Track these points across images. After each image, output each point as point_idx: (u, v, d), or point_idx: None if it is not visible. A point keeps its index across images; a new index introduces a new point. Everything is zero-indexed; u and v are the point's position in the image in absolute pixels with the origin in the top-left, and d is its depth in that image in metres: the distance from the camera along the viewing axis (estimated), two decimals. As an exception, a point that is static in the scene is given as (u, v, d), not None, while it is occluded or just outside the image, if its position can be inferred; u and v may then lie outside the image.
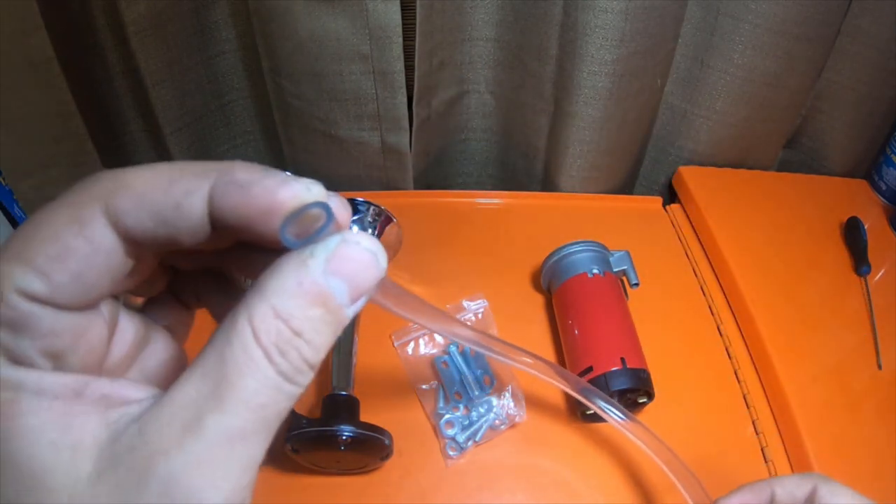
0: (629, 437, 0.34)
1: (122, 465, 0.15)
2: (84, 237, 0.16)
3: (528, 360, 0.31)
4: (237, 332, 0.15)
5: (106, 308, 0.18)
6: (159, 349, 0.20)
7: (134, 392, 0.16)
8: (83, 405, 0.16)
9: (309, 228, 0.16)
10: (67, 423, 0.15)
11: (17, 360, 0.16)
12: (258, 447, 0.16)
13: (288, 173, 0.17)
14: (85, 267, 0.16)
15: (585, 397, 0.34)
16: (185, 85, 0.59)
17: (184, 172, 0.17)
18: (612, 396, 0.43)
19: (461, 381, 0.47)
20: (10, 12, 0.45)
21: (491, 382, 0.47)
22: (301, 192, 0.16)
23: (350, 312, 0.17)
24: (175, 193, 0.16)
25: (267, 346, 0.15)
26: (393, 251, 0.57)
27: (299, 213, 0.16)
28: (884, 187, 0.67)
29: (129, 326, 0.19)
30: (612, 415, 0.34)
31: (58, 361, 0.16)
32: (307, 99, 0.59)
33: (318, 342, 0.16)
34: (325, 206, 0.16)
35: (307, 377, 0.16)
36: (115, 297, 0.19)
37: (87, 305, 0.17)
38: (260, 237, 0.17)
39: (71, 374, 0.16)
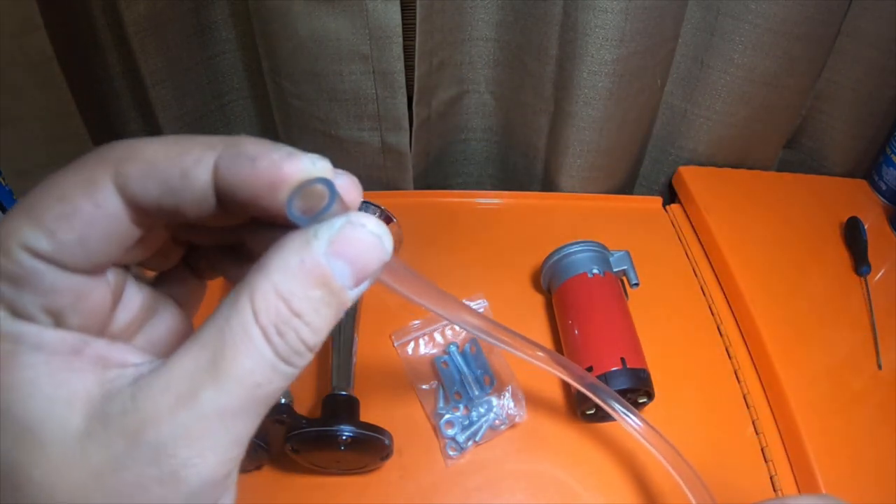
0: (633, 434, 0.34)
1: (113, 427, 0.15)
2: (92, 200, 0.16)
3: (540, 353, 0.30)
4: (237, 308, 0.15)
5: (112, 276, 0.18)
6: (166, 319, 0.20)
7: (132, 356, 0.17)
8: (80, 362, 0.16)
9: (314, 206, 0.16)
10: (63, 379, 0.15)
11: (18, 314, 0.16)
12: (249, 424, 0.16)
13: (296, 150, 0.17)
14: (91, 229, 0.16)
15: (593, 392, 0.34)
16: (185, 85, 0.59)
17: (193, 142, 0.17)
18: (612, 396, 0.43)
19: (461, 381, 0.47)
20: (10, 12, 0.45)
21: (491, 382, 0.47)
22: (307, 166, 0.16)
23: (352, 295, 0.17)
24: (182, 162, 0.16)
25: (265, 325, 0.15)
26: (393, 251, 0.57)
27: (303, 188, 0.16)
28: (884, 187, 0.67)
29: (135, 296, 0.19)
30: (622, 414, 0.34)
31: (58, 319, 0.16)
32: (307, 99, 0.59)
33: (318, 324, 0.16)
34: (328, 183, 0.16)
35: (305, 359, 0.16)
36: (126, 267, 0.19)
37: (91, 269, 0.17)
38: (267, 212, 0.16)
39: (71, 331, 0.16)
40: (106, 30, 0.54)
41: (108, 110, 0.59)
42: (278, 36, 0.55)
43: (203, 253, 0.22)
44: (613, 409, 0.34)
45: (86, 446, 0.15)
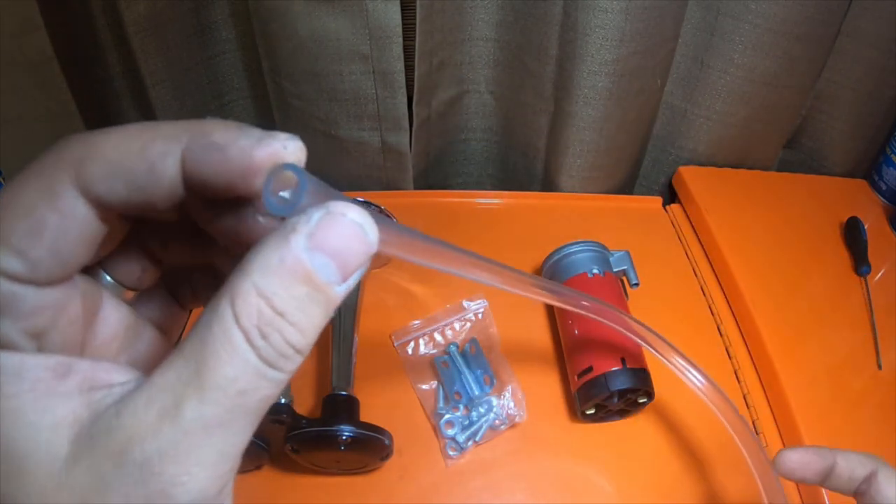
0: (696, 391, 0.36)
1: (99, 448, 0.14)
2: (56, 210, 0.15)
3: (585, 303, 0.32)
4: (218, 313, 0.14)
5: (81, 282, 0.18)
6: (148, 340, 0.20)
7: (117, 375, 0.16)
8: (66, 386, 0.15)
9: (292, 192, 0.15)
10: (48, 405, 0.15)
11: None
12: (239, 435, 0.15)
13: (264, 131, 0.16)
14: (60, 240, 0.16)
15: (653, 346, 0.35)
16: (185, 85, 0.59)
17: (156, 134, 0.16)
18: (612, 396, 0.43)
19: (461, 380, 0.47)
20: (10, 12, 0.45)
21: (491, 382, 0.47)
22: (278, 150, 0.16)
23: (340, 291, 0.15)
24: (147, 157, 0.16)
25: (247, 328, 0.14)
26: (393, 251, 0.57)
27: (274, 176, 0.15)
28: (884, 187, 0.67)
29: (114, 312, 0.19)
30: (683, 369, 0.35)
31: (40, 340, 0.16)
32: (307, 99, 0.59)
33: (305, 324, 0.15)
34: (296, 170, 0.15)
35: (293, 363, 0.15)
36: (95, 273, 0.19)
37: (64, 278, 0.16)
38: (243, 198, 0.16)
39: (54, 355, 0.16)
40: (106, 30, 0.54)
41: (108, 110, 0.59)
42: (278, 36, 0.55)
43: (183, 277, 0.21)
44: (675, 365, 0.35)
45: (72, 470, 0.14)
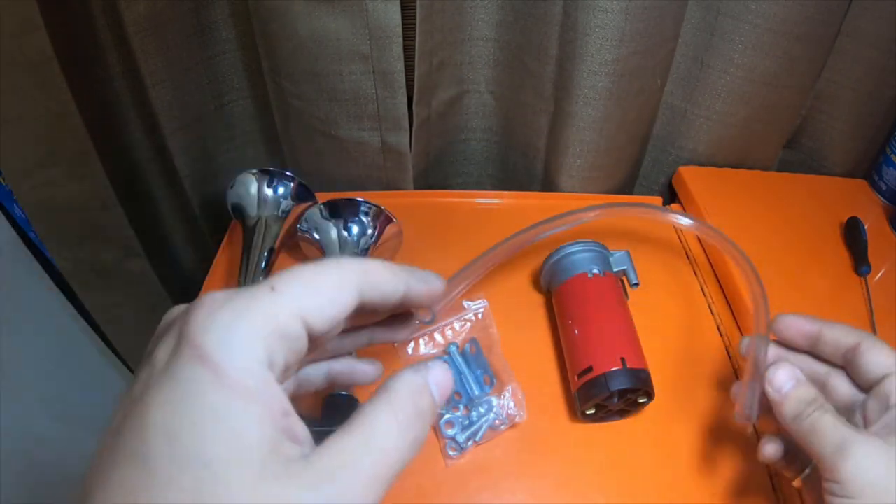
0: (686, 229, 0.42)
1: (294, 476, 0.19)
2: (347, 300, 0.23)
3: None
4: (374, 412, 0.23)
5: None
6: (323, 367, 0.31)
7: (303, 434, 0.21)
8: (283, 423, 0.20)
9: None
10: (261, 427, 0.19)
11: (271, 364, 0.20)
12: (387, 484, 0.22)
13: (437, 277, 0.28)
14: (340, 314, 0.23)
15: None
16: (185, 85, 0.59)
17: (398, 274, 0.26)
18: (612, 396, 0.43)
19: (461, 381, 0.47)
20: (10, 12, 0.45)
21: (491, 382, 0.47)
22: (438, 289, 0.29)
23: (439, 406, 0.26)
24: (393, 287, 0.26)
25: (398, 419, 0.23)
26: (393, 251, 0.57)
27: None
28: (884, 187, 0.67)
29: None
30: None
31: (284, 373, 0.21)
32: (307, 99, 0.59)
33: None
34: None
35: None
36: None
37: (321, 338, 0.23)
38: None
39: (286, 400, 0.21)
40: (106, 30, 0.54)
41: (108, 110, 0.59)
42: (278, 36, 0.55)
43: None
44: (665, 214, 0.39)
45: (269, 486, 0.19)
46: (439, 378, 0.25)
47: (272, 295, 0.21)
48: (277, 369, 0.21)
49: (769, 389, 0.34)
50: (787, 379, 0.34)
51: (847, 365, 0.35)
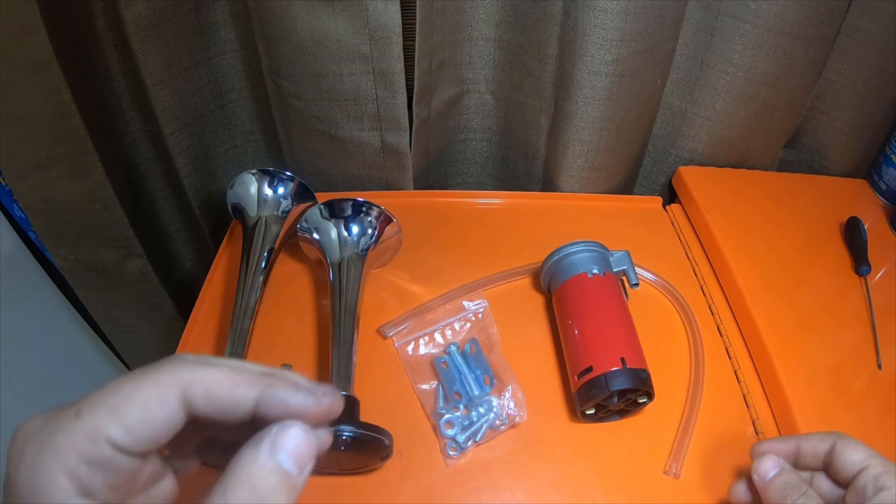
0: None
1: None
2: (165, 412, 0.22)
3: None
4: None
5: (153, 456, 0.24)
6: (165, 486, 0.26)
7: None
8: None
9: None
10: None
11: (86, 491, 0.21)
12: None
13: (312, 388, 0.24)
14: (159, 431, 0.22)
15: None
16: (184, 85, 0.59)
17: (242, 377, 0.24)
18: (612, 396, 0.43)
19: (461, 381, 0.47)
20: (10, 12, 0.45)
21: (491, 382, 0.47)
22: (320, 407, 0.24)
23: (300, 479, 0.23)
24: (234, 395, 0.23)
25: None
26: (393, 251, 0.57)
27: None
28: (884, 187, 0.67)
29: (152, 465, 0.25)
30: None
31: (113, 492, 0.22)
32: (307, 99, 0.59)
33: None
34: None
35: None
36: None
37: (147, 454, 0.23)
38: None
39: None
40: (106, 30, 0.54)
41: (108, 110, 0.59)
42: (278, 36, 0.55)
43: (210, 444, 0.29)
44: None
45: None
46: (292, 446, 0.22)
47: (75, 423, 0.21)
48: (97, 490, 0.21)
49: (755, 477, 0.37)
50: (771, 467, 0.37)
51: (827, 468, 0.37)
